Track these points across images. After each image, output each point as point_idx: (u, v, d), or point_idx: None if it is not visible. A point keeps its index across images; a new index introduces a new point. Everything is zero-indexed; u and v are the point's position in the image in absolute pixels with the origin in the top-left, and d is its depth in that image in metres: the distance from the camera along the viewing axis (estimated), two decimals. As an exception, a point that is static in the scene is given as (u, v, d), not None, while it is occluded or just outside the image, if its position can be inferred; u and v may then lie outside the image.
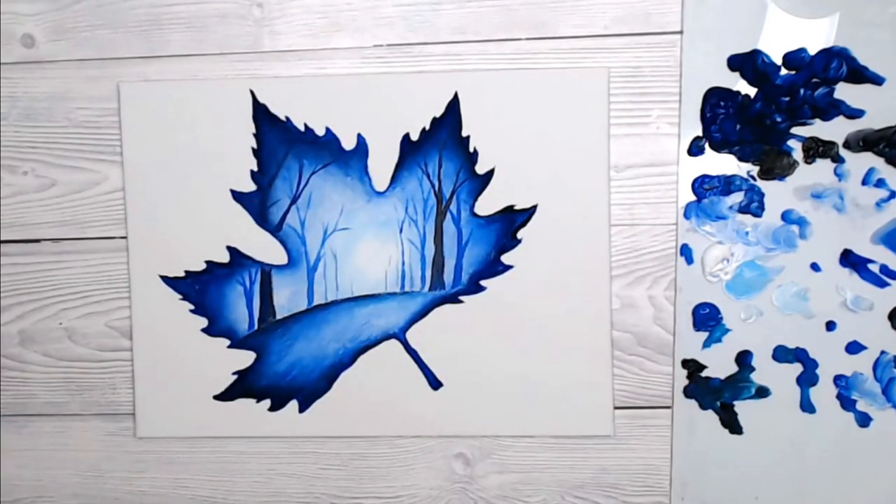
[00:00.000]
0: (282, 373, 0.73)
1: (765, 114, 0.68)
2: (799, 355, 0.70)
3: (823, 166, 0.68)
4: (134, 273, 0.73)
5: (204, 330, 0.73)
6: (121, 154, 0.73)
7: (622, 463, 0.73)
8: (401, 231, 0.71)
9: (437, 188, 0.71)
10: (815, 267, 0.69)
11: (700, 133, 0.69)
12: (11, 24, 0.73)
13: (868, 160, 0.68)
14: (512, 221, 0.70)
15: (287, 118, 0.71)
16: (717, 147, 0.69)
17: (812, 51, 0.67)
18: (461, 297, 0.71)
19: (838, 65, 0.67)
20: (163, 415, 0.74)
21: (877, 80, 0.67)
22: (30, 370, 0.76)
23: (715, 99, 0.68)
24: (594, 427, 0.72)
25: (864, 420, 0.70)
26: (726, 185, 0.69)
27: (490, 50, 0.70)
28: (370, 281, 0.72)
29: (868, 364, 0.69)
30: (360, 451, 0.74)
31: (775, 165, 0.68)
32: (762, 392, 0.70)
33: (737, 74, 0.68)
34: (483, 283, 0.71)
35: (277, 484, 0.75)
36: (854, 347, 0.69)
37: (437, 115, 0.70)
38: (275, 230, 0.72)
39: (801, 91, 0.67)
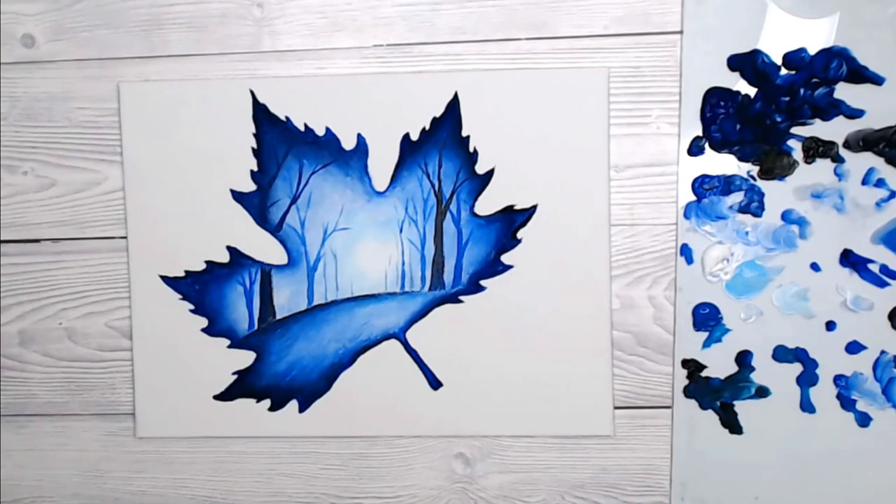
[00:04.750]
0: (282, 373, 0.73)
1: (765, 114, 0.68)
2: (799, 355, 0.69)
3: (823, 166, 0.68)
4: (134, 273, 0.73)
5: (204, 330, 0.73)
6: (121, 154, 0.73)
7: (622, 463, 0.73)
8: (401, 231, 0.71)
9: (437, 188, 0.71)
10: (815, 267, 0.69)
11: (700, 133, 0.69)
12: (11, 24, 0.73)
13: (868, 160, 0.68)
14: (512, 221, 0.70)
15: (287, 118, 0.71)
16: (717, 147, 0.69)
17: (812, 51, 0.67)
18: (461, 297, 0.71)
19: (838, 65, 0.67)
20: (163, 415, 0.74)
21: (877, 80, 0.67)
22: (30, 370, 0.76)
23: (715, 99, 0.68)
24: (594, 427, 0.72)
25: (864, 420, 0.70)
26: (726, 185, 0.69)
27: (490, 50, 0.70)
28: (370, 281, 0.72)
29: (868, 364, 0.69)
30: (360, 451, 0.74)
31: (775, 165, 0.68)
32: (762, 392, 0.70)
33: (737, 74, 0.68)
34: (483, 283, 0.71)
35: (277, 484, 0.75)
36: (854, 347, 0.69)
37: (437, 115, 0.70)
38: (275, 230, 0.72)
39: (801, 91, 0.67)
